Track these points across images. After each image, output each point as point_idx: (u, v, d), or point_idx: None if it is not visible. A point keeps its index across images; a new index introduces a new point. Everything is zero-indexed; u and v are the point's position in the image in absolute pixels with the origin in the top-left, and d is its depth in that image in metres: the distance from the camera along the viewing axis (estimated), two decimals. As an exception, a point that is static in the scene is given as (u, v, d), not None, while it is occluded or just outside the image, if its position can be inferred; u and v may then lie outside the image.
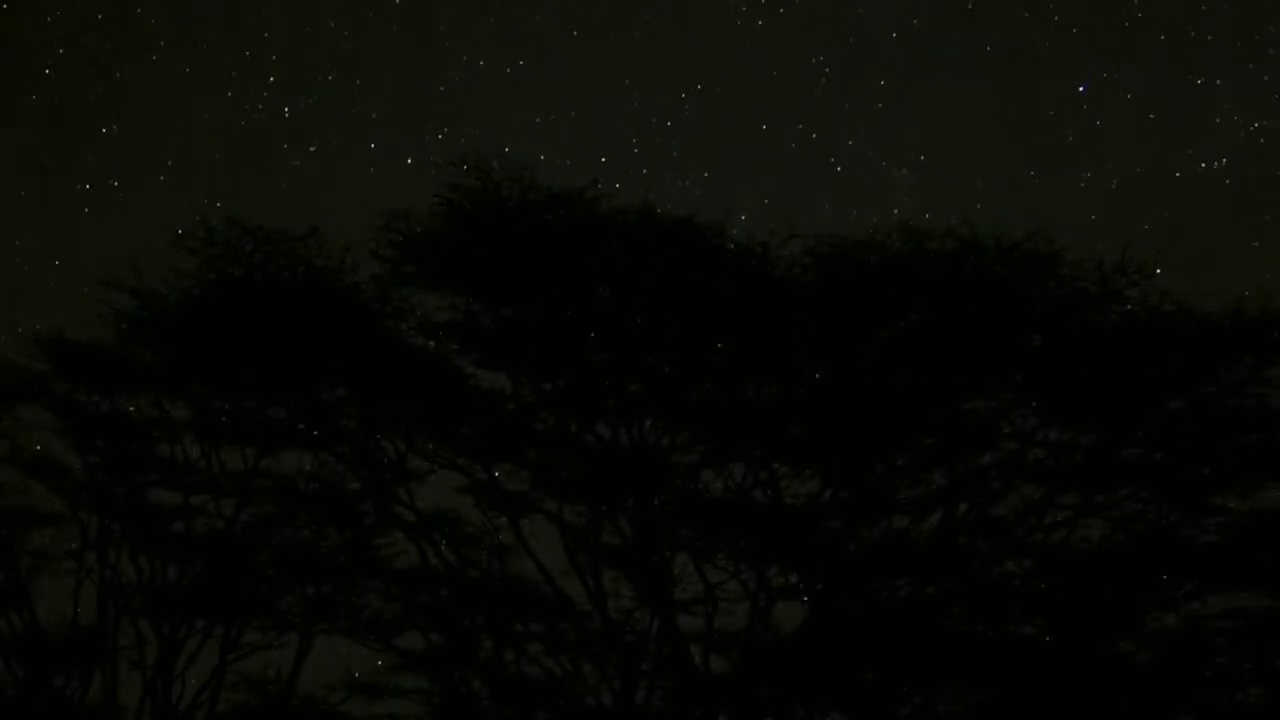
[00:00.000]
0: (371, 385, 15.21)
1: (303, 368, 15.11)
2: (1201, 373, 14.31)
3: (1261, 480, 14.77)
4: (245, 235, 14.52)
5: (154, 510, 16.90)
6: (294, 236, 14.62)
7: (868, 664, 14.97)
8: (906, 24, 26.40)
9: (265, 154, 27.10)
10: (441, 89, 26.90)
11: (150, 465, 16.77)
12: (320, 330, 14.76)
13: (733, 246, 13.89)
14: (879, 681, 15.18)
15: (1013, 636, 15.20)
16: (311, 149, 26.98)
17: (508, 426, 15.17)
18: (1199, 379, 14.36)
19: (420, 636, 16.57)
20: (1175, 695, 15.51)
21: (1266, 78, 26.10)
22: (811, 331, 14.12)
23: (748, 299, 13.99)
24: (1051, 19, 26.38)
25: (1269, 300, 14.13)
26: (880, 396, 14.18)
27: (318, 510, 16.82)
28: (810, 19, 26.91)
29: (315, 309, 14.69)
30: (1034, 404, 14.63)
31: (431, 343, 15.04)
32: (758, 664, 14.99)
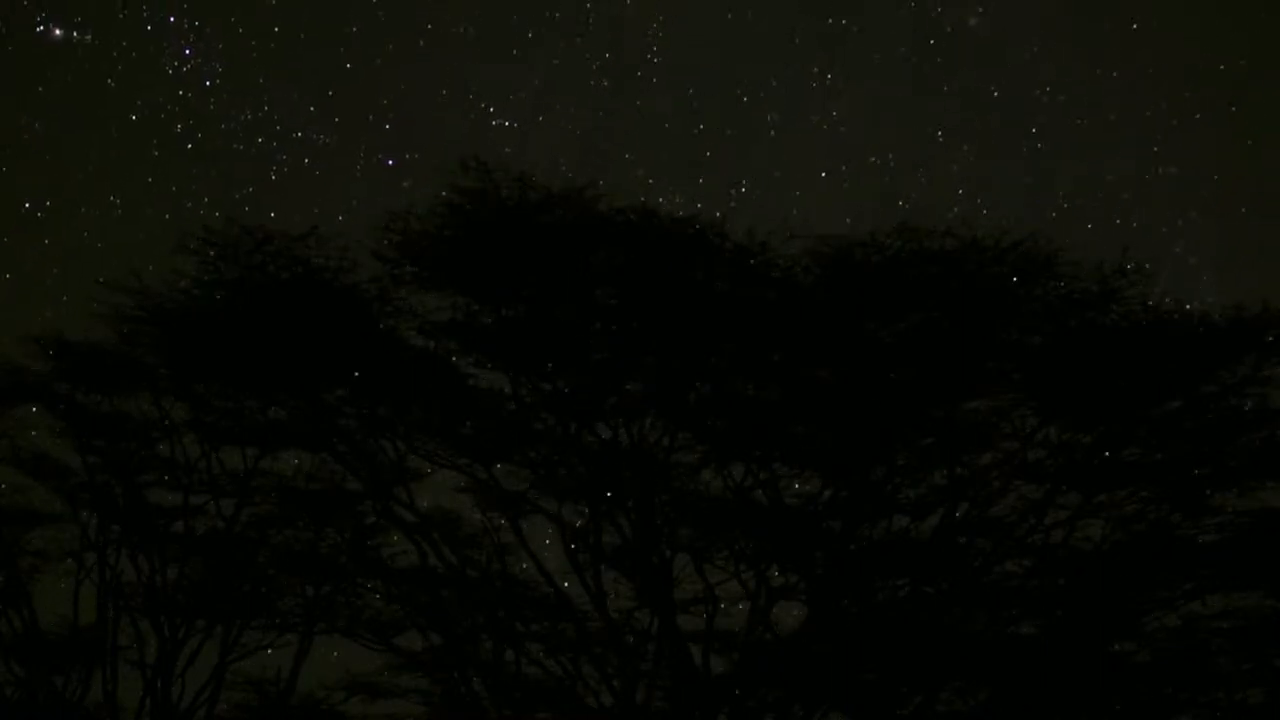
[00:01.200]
0: (371, 385, 15.20)
1: (303, 368, 15.10)
2: (1201, 373, 14.30)
3: (1261, 480, 14.75)
4: (245, 235, 14.50)
5: (154, 510, 16.91)
6: (294, 236, 14.59)
7: (868, 664, 14.96)
8: (840, 222, 26.96)
9: (266, 154, 27.15)
10: (442, 89, 26.99)
11: (150, 465, 16.77)
12: (320, 330, 14.75)
13: (732, 246, 13.86)
14: (879, 681, 15.18)
15: (1013, 636, 15.20)
16: (312, 148, 27.03)
17: (508, 426, 15.16)
18: (1199, 379, 14.35)
19: (420, 636, 16.58)
20: (1175, 695, 15.52)
21: (1193, 260, 26.41)
22: (811, 331, 14.11)
23: (748, 299, 13.98)
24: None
25: (1269, 300, 14.13)
26: (880, 396, 14.17)
27: (318, 510, 16.82)
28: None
29: (315, 309, 14.67)
30: (1034, 404, 14.62)
31: (431, 343, 15.03)
32: (758, 664, 14.98)
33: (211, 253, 14.55)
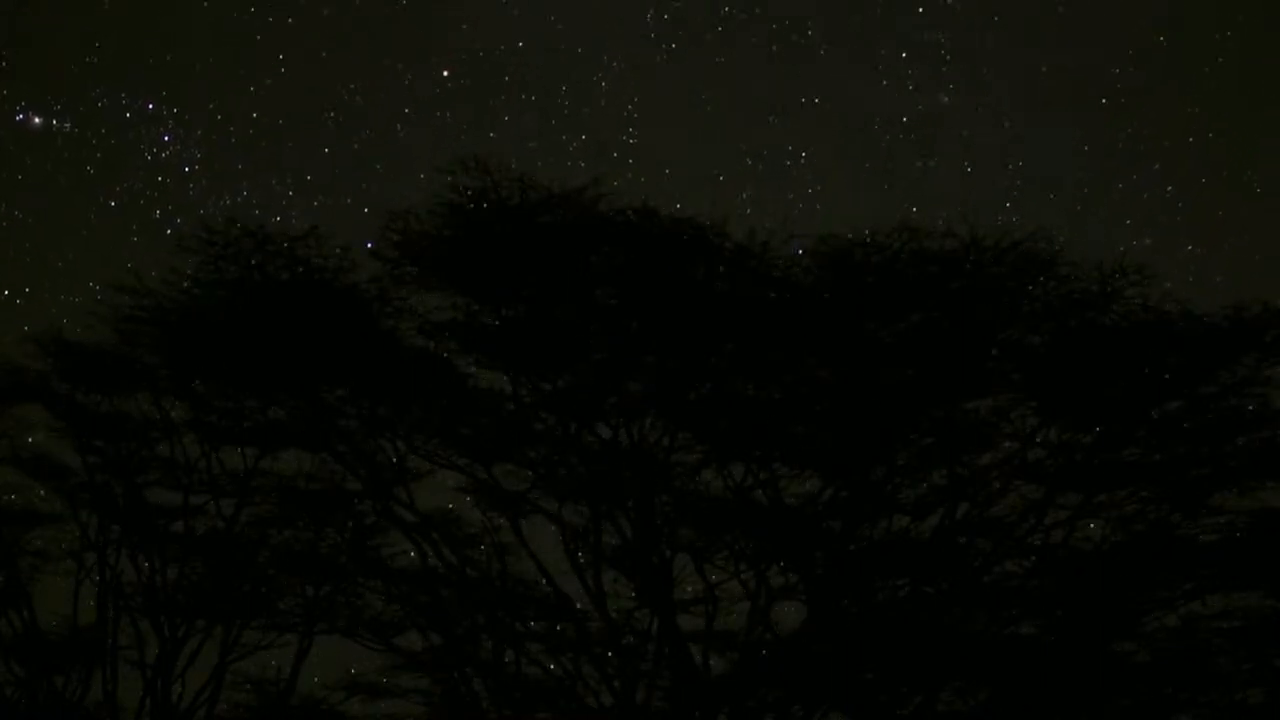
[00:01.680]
0: (371, 385, 15.20)
1: (303, 368, 15.10)
2: (1201, 373, 14.30)
3: (1261, 480, 14.75)
4: (245, 235, 14.51)
5: (154, 510, 16.91)
6: (294, 236, 14.61)
7: (868, 664, 14.96)
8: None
9: (265, 153, 27.20)
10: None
11: (150, 465, 16.77)
12: (320, 330, 14.75)
13: (732, 246, 13.87)
14: (879, 681, 15.18)
15: (1013, 636, 15.19)
16: (312, 148, 27.08)
17: (508, 426, 15.16)
18: (1199, 379, 14.35)
19: (420, 636, 16.57)
20: (1175, 695, 15.51)
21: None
22: (811, 331, 14.11)
23: (748, 299, 13.98)
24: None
25: (1269, 300, 14.14)
26: (880, 396, 14.17)
27: (318, 510, 16.82)
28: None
29: (315, 309, 14.68)
30: (1034, 404, 14.61)
31: (431, 343, 15.03)
32: (758, 664, 14.98)
33: (211, 252, 14.56)
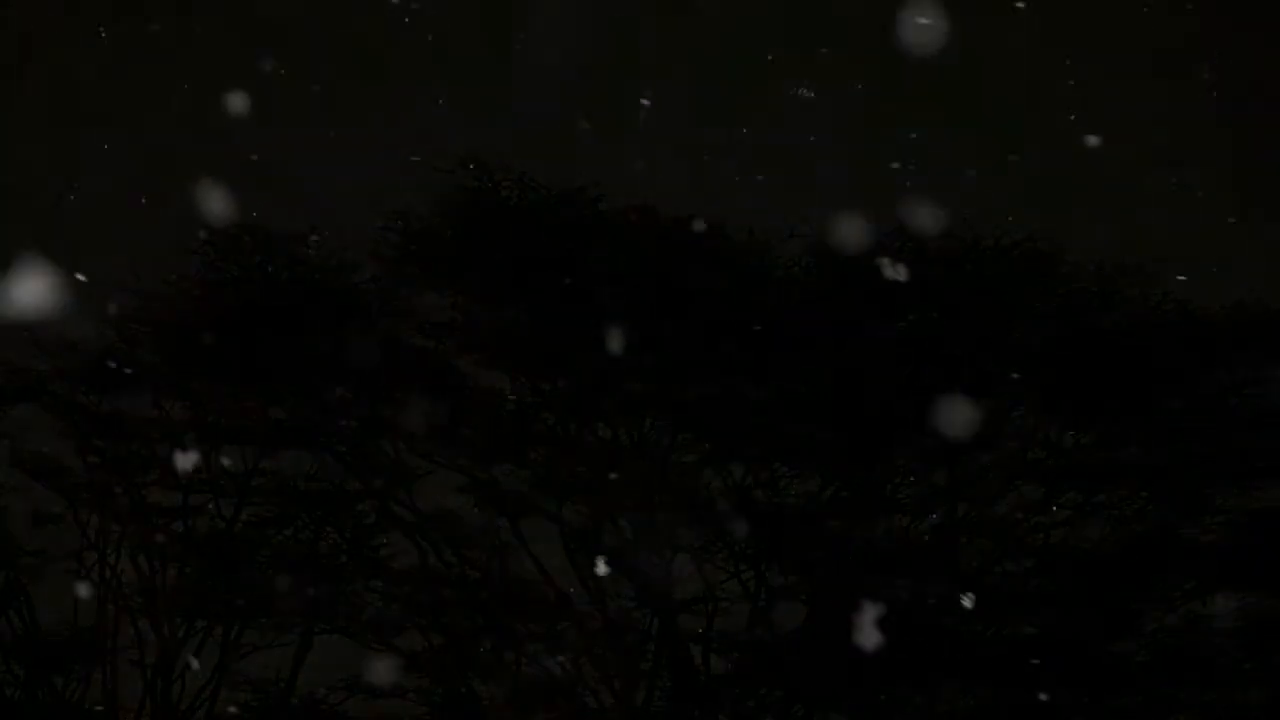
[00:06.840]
0: (371, 385, 15.21)
1: (303, 368, 15.11)
2: (1201, 373, 14.31)
3: (1261, 480, 14.77)
4: (245, 235, 14.52)
5: (154, 510, 16.91)
6: (294, 236, 14.62)
7: (868, 664, 14.96)
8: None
9: (266, 153, 27.21)
10: (442, 89, 27.10)
11: (150, 465, 16.77)
12: (320, 330, 14.77)
13: (732, 247, 13.88)
14: (879, 681, 15.18)
15: (1013, 636, 15.20)
16: (311, 148, 27.11)
17: (508, 426, 15.17)
18: (1199, 379, 14.36)
19: (420, 636, 16.57)
20: (1175, 695, 15.52)
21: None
22: (811, 331, 14.12)
23: (748, 299, 13.99)
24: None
25: (1269, 300, 14.15)
26: (880, 396, 14.18)
27: (318, 510, 16.82)
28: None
29: (315, 309, 14.69)
30: (1034, 404, 14.62)
31: (431, 343, 15.03)
32: (758, 664, 14.99)
33: (212, 253, 14.58)
